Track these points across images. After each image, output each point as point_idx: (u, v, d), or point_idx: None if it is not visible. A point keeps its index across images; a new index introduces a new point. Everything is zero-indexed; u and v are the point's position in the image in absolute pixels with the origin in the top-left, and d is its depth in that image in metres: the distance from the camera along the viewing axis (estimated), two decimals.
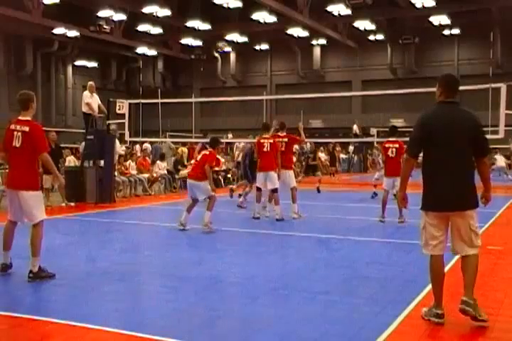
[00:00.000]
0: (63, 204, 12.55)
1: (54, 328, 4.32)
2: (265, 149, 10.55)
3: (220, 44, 38.98)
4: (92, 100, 13.77)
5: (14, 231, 6.07)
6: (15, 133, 5.77)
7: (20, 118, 5.91)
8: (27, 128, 5.76)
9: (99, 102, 14.00)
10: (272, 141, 10.61)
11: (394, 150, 10.17)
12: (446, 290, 5.50)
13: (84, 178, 13.33)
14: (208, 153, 9.37)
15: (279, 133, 10.95)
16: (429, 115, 4.51)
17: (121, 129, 16.49)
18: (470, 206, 4.43)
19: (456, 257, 6.97)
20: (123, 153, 17.07)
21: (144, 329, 4.22)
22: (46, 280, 5.73)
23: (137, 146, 21.48)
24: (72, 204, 12.72)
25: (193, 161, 18.44)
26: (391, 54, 36.99)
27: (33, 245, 5.76)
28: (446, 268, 6.29)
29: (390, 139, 10.46)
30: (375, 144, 29.78)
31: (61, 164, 14.68)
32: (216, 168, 18.70)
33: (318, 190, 16.41)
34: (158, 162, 16.77)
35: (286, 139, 10.79)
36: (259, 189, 10.68)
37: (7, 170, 12.31)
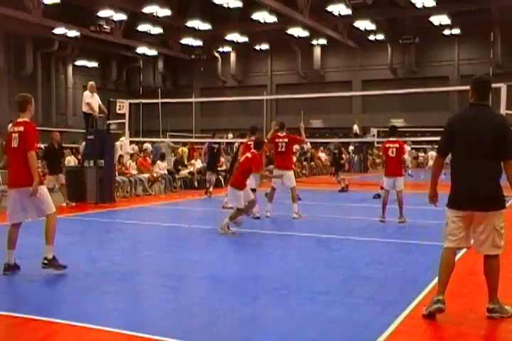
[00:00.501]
0: (64, 204, 12.55)
1: (54, 328, 4.32)
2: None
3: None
4: (92, 100, 13.77)
5: (18, 231, 6.12)
6: (13, 134, 5.96)
7: (18, 120, 6.08)
8: (22, 128, 5.92)
9: (100, 102, 14.00)
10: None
11: (394, 150, 10.16)
12: (447, 290, 5.50)
13: (84, 178, 13.33)
14: (250, 156, 9.10)
15: (279, 134, 10.94)
16: (455, 116, 4.73)
17: (121, 129, 16.51)
18: (493, 207, 4.44)
19: (456, 258, 6.98)
20: (132, 152, 17.15)
21: (144, 329, 4.22)
22: (58, 270, 5.92)
23: (132, 146, 21.40)
24: (73, 204, 12.72)
25: (193, 161, 18.54)
26: (391, 54, 37.01)
27: (46, 234, 5.94)
28: None
29: (390, 139, 10.45)
30: (376, 144, 29.88)
31: (63, 163, 14.68)
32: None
33: (343, 190, 16.53)
34: (158, 162, 16.76)
35: (286, 139, 10.79)
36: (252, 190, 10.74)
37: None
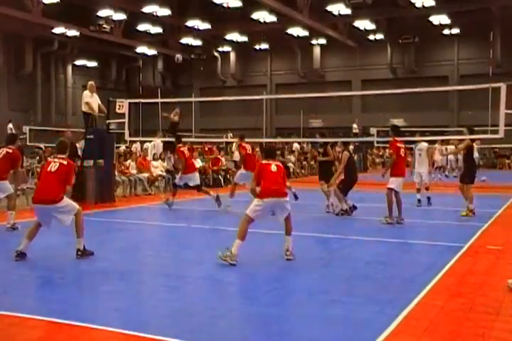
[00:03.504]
0: None
1: (54, 328, 4.32)
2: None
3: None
4: (92, 100, 13.76)
5: (39, 229, 6.84)
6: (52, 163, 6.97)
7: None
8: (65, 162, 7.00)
9: (99, 102, 13.99)
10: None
11: (403, 150, 10.23)
12: (446, 289, 5.52)
13: (84, 178, 13.31)
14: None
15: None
16: None
17: (121, 129, 16.47)
18: None
19: (455, 258, 7.00)
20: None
21: (144, 328, 4.22)
22: (89, 256, 6.75)
23: (135, 145, 21.45)
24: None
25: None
26: (391, 53, 36.99)
27: (76, 229, 6.85)
28: (446, 269, 6.32)
29: (398, 139, 10.43)
30: (375, 144, 29.87)
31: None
32: (215, 168, 18.77)
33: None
34: (152, 162, 16.78)
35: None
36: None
37: None
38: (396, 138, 10.44)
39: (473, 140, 11.56)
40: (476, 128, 12.83)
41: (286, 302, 5.02)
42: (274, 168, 6.91)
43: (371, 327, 4.30)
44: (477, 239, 8.37)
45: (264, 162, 7.08)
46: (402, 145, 10.30)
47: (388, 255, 7.34)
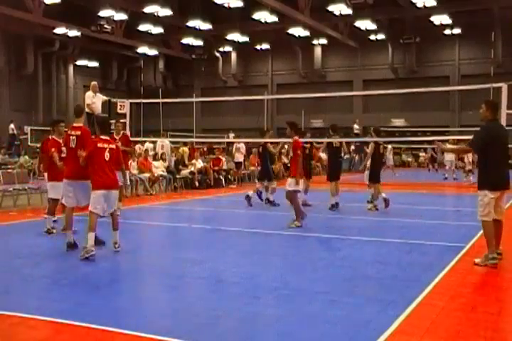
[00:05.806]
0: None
1: (54, 328, 4.32)
2: None
3: None
4: (94, 100, 13.78)
5: (73, 213, 7.46)
6: (71, 137, 7.35)
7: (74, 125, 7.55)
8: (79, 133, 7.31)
9: (103, 101, 14.08)
10: None
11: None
12: (447, 289, 5.52)
13: None
14: None
15: None
16: (493, 127, 6.62)
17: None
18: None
19: (456, 258, 7.01)
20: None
21: (144, 329, 4.22)
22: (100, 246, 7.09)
23: (138, 145, 21.47)
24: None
25: (193, 161, 18.53)
26: (392, 53, 36.99)
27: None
28: (447, 269, 6.32)
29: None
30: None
31: None
32: (216, 168, 18.76)
33: None
34: (153, 162, 16.80)
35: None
36: None
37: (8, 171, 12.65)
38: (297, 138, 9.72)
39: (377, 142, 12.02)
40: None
41: (286, 303, 5.01)
42: (107, 155, 6.98)
43: (372, 327, 4.29)
44: (478, 238, 8.36)
45: (99, 145, 6.96)
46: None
47: (388, 255, 7.34)
